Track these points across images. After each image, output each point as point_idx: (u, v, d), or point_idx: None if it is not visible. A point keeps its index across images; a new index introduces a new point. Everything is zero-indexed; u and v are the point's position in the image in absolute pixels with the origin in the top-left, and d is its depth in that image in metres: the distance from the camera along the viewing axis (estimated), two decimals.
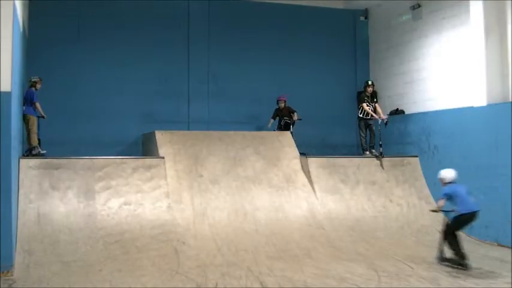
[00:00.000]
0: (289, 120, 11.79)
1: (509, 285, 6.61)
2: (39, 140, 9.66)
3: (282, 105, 11.95)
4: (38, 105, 9.69)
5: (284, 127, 11.82)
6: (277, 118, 12.02)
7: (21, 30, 8.77)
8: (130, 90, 11.82)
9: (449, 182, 7.81)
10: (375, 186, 10.54)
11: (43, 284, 6.55)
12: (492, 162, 9.39)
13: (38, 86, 9.78)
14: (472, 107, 9.97)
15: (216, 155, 10.17)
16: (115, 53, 11.77)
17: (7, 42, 6.82)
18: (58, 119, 10.69)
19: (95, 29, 11.67)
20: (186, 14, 12.39)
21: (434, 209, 8.23)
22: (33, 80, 9.73)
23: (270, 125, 11.94)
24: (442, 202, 7.76)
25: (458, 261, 7.44)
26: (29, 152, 9.51)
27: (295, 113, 11.81)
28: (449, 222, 7.71)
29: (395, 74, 12.57)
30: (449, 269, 7.34)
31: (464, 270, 7.25)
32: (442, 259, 7.68)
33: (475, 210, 7.56)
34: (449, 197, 7.67)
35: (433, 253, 8.49)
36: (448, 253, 7.63)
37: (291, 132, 11.53)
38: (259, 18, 12.91)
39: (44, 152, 9.56)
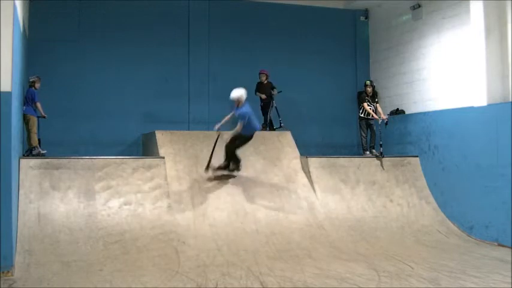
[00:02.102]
0: (269, 99, 11.61)
1: (509, 285, 6.61)
2: (39, 140, 9.67)
3: (264, 78, 11.72)
4: (39, 105, 9.70)
5: (264, 107, 11.71)
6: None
7: (21, 30, 8.76)
8: (130, 90, 11.82)
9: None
10: (375, 186, 10.54)
11: (43, 284, 6.53)
12: (492, 162, 9.39)
13: (37, 85, 9.78)
14: (472, 107, 9.97)
15: (216, 155, 10.15)
16: (115, 53, 11.77)
17: (7, 42, 6.80)
18: (58, 119, 10.70)
19: (95, 29, 11.68)
20: (186, 14, 12.39)
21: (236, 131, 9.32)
22: (31, 79, 9.73)
23: (263, 96, 11.60)
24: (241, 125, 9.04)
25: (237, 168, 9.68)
26: (29, 152, 9.52)
27: (275, 89, 11.58)
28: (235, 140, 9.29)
29: (396, 74, 12.57)
30: (450, 269, 7.34)
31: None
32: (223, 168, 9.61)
33: (257, 130, 9.51)
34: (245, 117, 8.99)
35: (433, 253, 8.51)
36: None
37: (275, 108, 11.49)
38: (259, 18, 12.92)
39: (44, 152, 9.57)
